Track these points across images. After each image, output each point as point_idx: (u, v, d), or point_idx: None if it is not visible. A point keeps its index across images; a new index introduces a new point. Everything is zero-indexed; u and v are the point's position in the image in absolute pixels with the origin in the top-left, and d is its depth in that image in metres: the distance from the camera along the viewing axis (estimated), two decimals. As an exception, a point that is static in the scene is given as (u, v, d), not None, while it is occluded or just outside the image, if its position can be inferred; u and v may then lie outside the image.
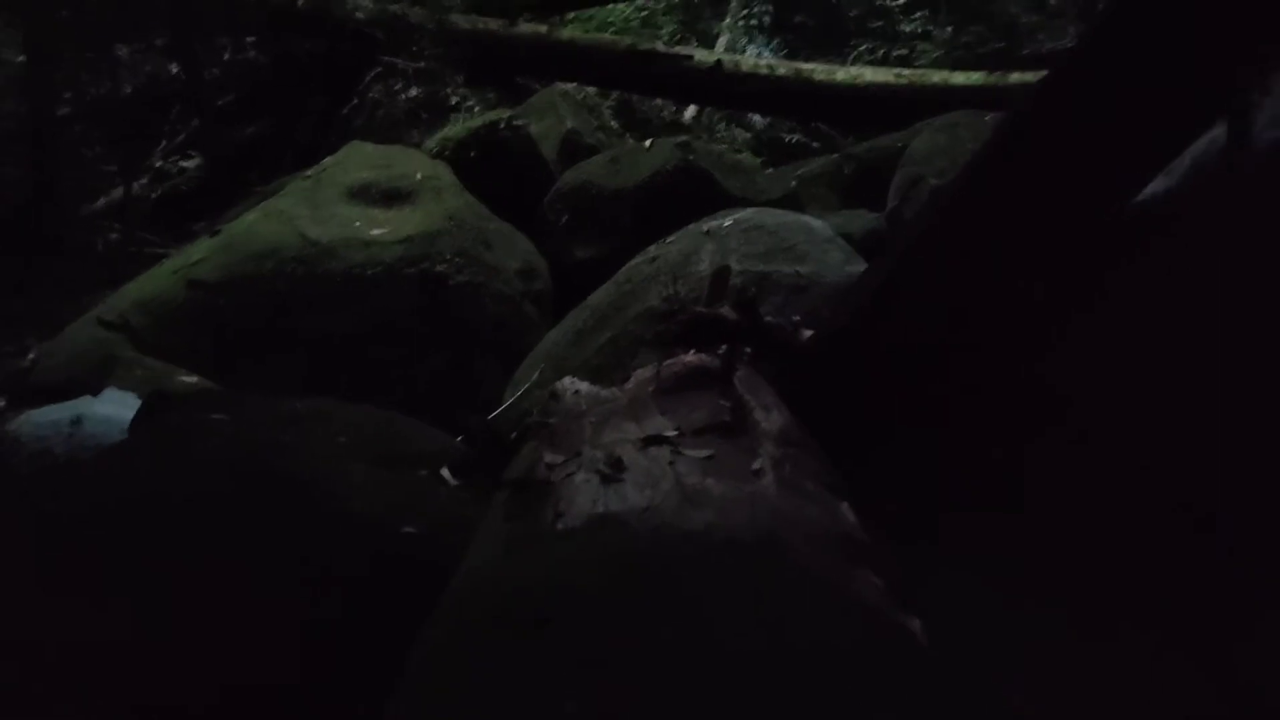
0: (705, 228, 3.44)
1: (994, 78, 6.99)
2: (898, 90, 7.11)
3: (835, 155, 6.43)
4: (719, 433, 1.38)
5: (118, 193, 6.59)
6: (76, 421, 2.43)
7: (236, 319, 3.75)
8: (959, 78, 7.14)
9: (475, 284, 3.93)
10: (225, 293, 3.77)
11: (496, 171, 4.82)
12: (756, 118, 8.68)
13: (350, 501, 1.93)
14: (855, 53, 9.42)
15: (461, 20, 7.17)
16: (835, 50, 9.52)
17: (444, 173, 4.41)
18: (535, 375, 3.32)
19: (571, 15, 8.90)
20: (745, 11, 10.02)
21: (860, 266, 3.20)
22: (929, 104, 6.20)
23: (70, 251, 5.87)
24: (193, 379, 3.24)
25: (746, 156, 5.54)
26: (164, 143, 7.39)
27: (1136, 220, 1.77)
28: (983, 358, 1.84)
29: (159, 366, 3.34)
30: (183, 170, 7.11)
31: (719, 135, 8.31)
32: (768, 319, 2.15)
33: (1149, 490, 1.57)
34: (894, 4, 9.78)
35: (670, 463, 1.20)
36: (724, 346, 1.90)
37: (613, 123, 7.17)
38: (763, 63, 7.71)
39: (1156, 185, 1.73)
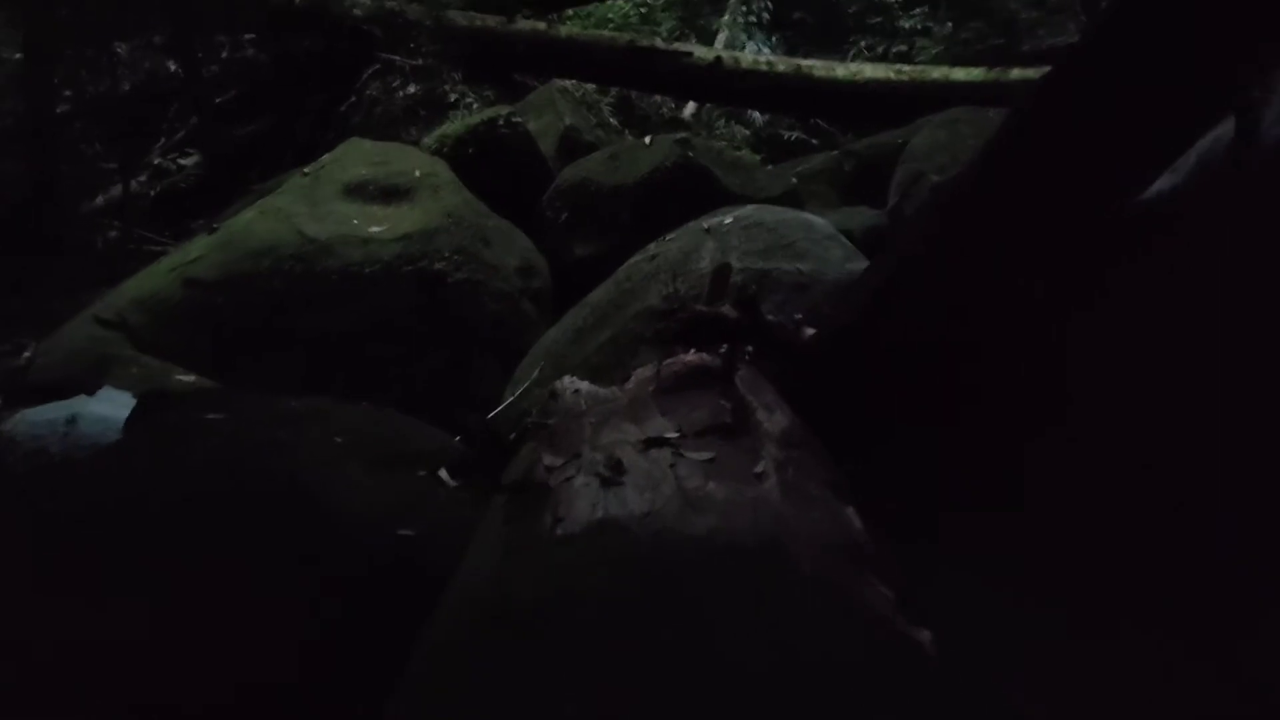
0: (705, 225, 3.42)
1: (994, 74, 6.97)
2: (898, 86, 7.09)
3: (835, 152, 6.42)
4: (720, 434, 1.36)
5: (117, 190, 6.57)
6: (72, 421, 2.40)
7: (234, 317, 3.73)
8: (959, 74, 7.13)
9: (474, 282, 3.92)
10: (223, 291, 3.75)
11: (495, 168, 4.81)
12: (756, 114, 8.67)
13: (347, 503, 1.91)
14: (855, 49, 9.41)
15: (459, 17, 7.15)
16: (834, 46, 9.51)
17: (442, 170, 4.39)
18: (535, 374, 3.31)
19: (570, 12, 8.88)
20: (744, 8, 10.00)
21: (861, 264, 3.19)
22: (929, 100, 6.19)
23: (69, 249, 5.86)
24: (190, 378, 3.22)
25: (746, 153, 5.52)
26: (163, 140, 7.37)
27: (1141, 217, 1.76)
28: (985, 356, 1.83)
29: (156, 365, 3.32)
30: (181, 168, 7.09)
31: (718, 132, 8.30)
32: (769, 317, 2.13)
33: (1150, 489, 1.56)
34: (893, 0, 9.77)
35: (671, 465, 1.18)
36: (725, 345, 1.88)
37: (612, 120, 7.14)
38: (762, 59, 7.69)
39: (1162, 183, 1.71)
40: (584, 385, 1.86)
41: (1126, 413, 1.62)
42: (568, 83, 6.93)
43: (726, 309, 2.00)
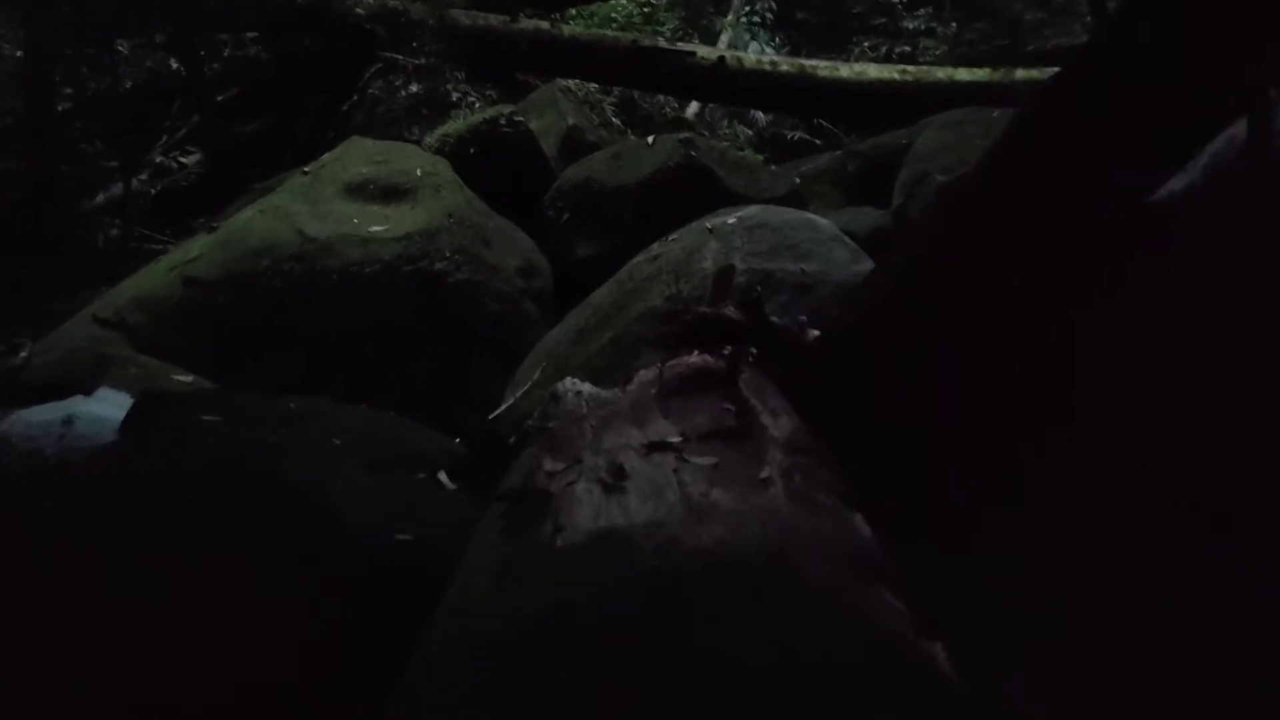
0: (708, 225, 3.40)
1: (999, 74, 6.96)
2: (902, 87, 7.08)
3: (839, 152, 6.39)
4: (724, 438, 1.33)
5: (117, 189, 6.56)
6: (68, 421, 2.37)
7: (234, 316, 3.71)
8: (964, 74, 7.12)
9: (474, 282, 3.90)
10: (222, 290, 3.74)
11: (497, 168, 4.79)
12: (759, 115, 8.65)
13: (344, 506, 1.89)
14: (858, 49, 9.40)
15: (462, 16, 7.13)
16: (838, 47, 9.50)
17: (443, 169, 4.37)
18: (536, 375, 3.29)
19: (573, 11, 8.86)
20: (748, 8, 9.99)
21: (866, 265, 3.16)
22: (933, 101, 6.17)
23: (69, 248, 5.85)
24: (187, 378, 3.20)
25: (749, 154, 5.50)
26: (164, 138, 7.36)
27: (1152, 217, 1.74)
28: (990, 357, 1.82)
29: (153, 365, 3.30)
30: (183, 166, 7.08)
31: (721, 132, 8.28)
32: (773, 319, 2.11)
33: (1151, 488, 1.55)
34: (897, 1, 9.76)
35: (675, 470, 1.15)
36: (728, 347, 1.85)
37: (614, 119, 7.13)
38: (766, 59, 7.67)
39: (1175, 183, 1.69)
40: (586, 387, 1.83)
41: (1132, 412, 1.61)
42: (570, 82, 6.91)
43: (730, 310, 1.98)
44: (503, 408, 3.28)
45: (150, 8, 7.06)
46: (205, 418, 2.24)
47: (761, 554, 0.91)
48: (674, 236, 3.52)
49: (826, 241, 3.26)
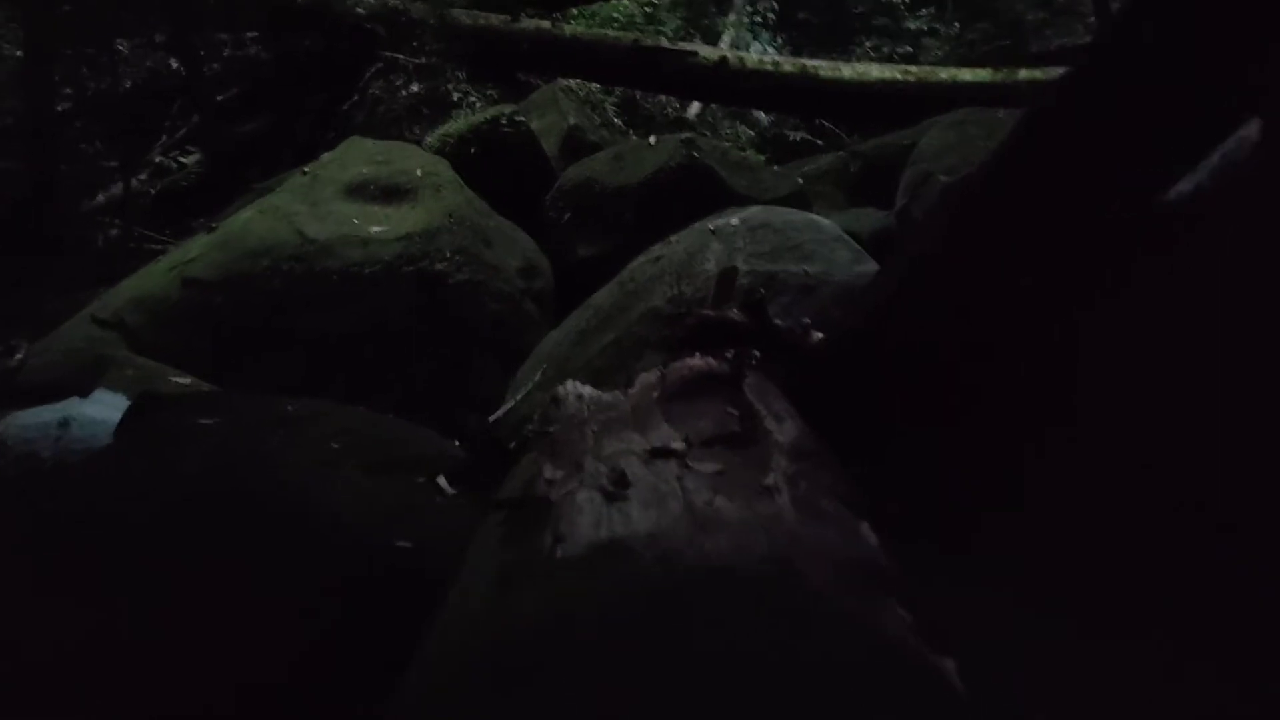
0: (711, 226, 3.38)
1: (1002, 74, 6.95)
2: (904, 87, 7.06)
3: (841, 153, 6.38)
4: (728, 444, 1.30)
5: (117, 189, 6.55)
6: (64, 424, 2.35)
7: (233, 317, 3.69)
8: (966, 75, 7.11)
9: (475, 282, 3.88)
10: (221, 291, 3.72)
11: (498, 168, 4.77)
12: (761, 115, 8.64)
13: (342, 511, 1.86)
14: (860, 50, 9.39)
15: (463, 15, 7.12)
16: (840, 47, 9.50)
17: (444, 169, 4.35)
18: (537, 376, 3.27)
19: (574, 11, 8.85)
20: (750, 8, 9.98)
21: (869, 266, 3.15)
22: (935, 101, 6.16)
23: (69, 248, 5.84)
24: (185, 379, 3.18)
25: (751, 154, 5.48)
26: (164, 138, 7.36)
27: (1159, 218, 1.72)
28: (996, 358, 1.80)
29: (151, 366, 3.27)
30: (182, 166, 7.08)
31: (723, 132, 8.26)
32: (776, 321, 2.08)
33: (1154, 489, 1.53)
34: (899, 1, 9.75)
35: (678, 478, 1.13)
36: (731, 350, 1.83)
37: (616, 119, 7.12)
38: (767, 59, 7.66)
39: (1184, 184, 1.67)
40: (587, 390, 1.80)
41: (1135, 413, 1.59)
42: (572, 82, 6.90)
43: (734, 312, 1.95)
44: (503, 410, 3.26)
45: (150, 7, 7.06)
46: (202, 420, 2.21)
47: (767, 565, 0.89)
48: (676, 237, 3.50)
49: (829, 242, 3.24)
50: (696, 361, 1.79)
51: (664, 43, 7.45)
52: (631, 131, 6.96)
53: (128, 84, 7.53)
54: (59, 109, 6.77)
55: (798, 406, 1.72)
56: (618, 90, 7.93)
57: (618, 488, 1.09)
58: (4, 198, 6.00)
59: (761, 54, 8.53)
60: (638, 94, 8.09)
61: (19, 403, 2.59)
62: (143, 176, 6.90)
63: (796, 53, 9.20)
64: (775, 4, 10.08)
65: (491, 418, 3.20)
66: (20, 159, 6.25)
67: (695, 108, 8.63)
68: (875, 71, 7.36)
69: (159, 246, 5.39)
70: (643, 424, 1.43)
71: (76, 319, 3.77)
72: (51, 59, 6.39)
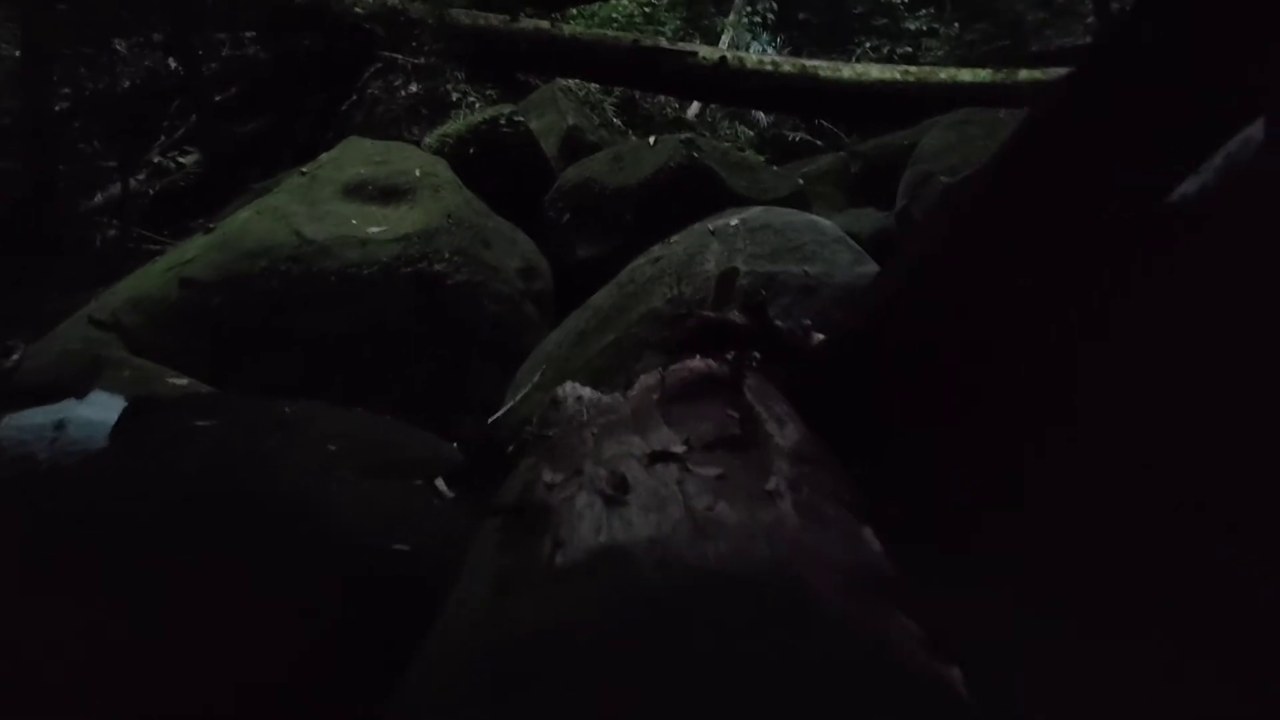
0: (711, 227, 3.37)
1: (1002, 75, 6.95)
2: (904, 88, 7.06)
3: (841, 153, 6.37)
4: (729, 447, 1.29)
5: (115, 189, 6.54)
6: (60, 426, 2.33)
7: (230, 318, 3.68)
8: (966, 75, 7.10)
9: (474, 283, 3.86)
10: (219, 291, 3.70)
11: (497, 168, 4.76)
12: (760, 115, 8.63)
13: (339, 514, 1.85)
14: (860, 50, 9.38)
15: (462, 15, 7.10)
16: (839, 47, 9.50)
17: (443, 169, 4.33)
18: (536, 378, 3.25)
19: (574, 11, 8.84)
20: (749, 8, 9.97)
21: (869, 267, 3.13)
22: (935, 101, 6.16)
23: (68, 248, 5.82)
24: (182, 381, 3.16)
25: (751, 154, 5.47)
26: (162, 138, 7.35)
27: (1162, 219, 1.72)
28: (998, 359, 1.79)
29: (148, 367, 3.26)
30: (181, 166, 7.06)
31: (722, 133, 8.26)
32: (777, 322, 2.07)
33: (1153, 488, 1.52)
34: (899, 1, 9.75)
35: (679, 482, 1.11)
36: (732, 352, 1.82)
37: (615, 120, 7.10)
38: (767, 60, 7.65)
39: (1189, 185, 1.67)
40: (586, 392, 1.79)
41: (1136, 413, 1.58)
42: (571, 82, 6.88)
43: (734, 315, 1.94)
44: (501, 411, 3.25)
45: (148, 7, 7.04)
46: (199, 422, 2.20)
47: (769, 572, 0.87)
48: (675, 238, 3.48)
49: (830, 243, 3.23)
50: (697, 363, 1.78)
51: (663, 43, 7.44)
52: (631, 132, 6.94)
53: (126, 84, 7.51)
54: (57, 109, 6.76)
55: (798, 408, 1.71)
56: (617, 90, 7.92)
57: (618, 492, 1.08)
58: (4, 198, 5.98)
59: (761, 54, 8.53)
60: (637, 94, 8.08)
61: (14, 404, 2.57)
62: (141, 176, 6.89)
63: (796, 53, 9.20)
64: (775, 4, 10.08)
65: (490, 419, 3.18)
66: (20, 159, 6.23)
67: (694, 108, 8.63)
68: (875, 72, 7.35)
69: (157, 247, 5.37)
70: (643, 427, 1.42)
71: (73, 319, 3.76)
72: (50, 59, 6.37)
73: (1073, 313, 1.73)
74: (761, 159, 5.54)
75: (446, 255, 3.83)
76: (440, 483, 2.09)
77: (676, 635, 0.78)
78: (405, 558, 1.76)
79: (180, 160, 7.10)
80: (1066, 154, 1.68)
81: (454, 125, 5.20)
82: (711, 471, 1.18)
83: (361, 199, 4.02)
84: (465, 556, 1.34)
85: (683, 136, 4.67)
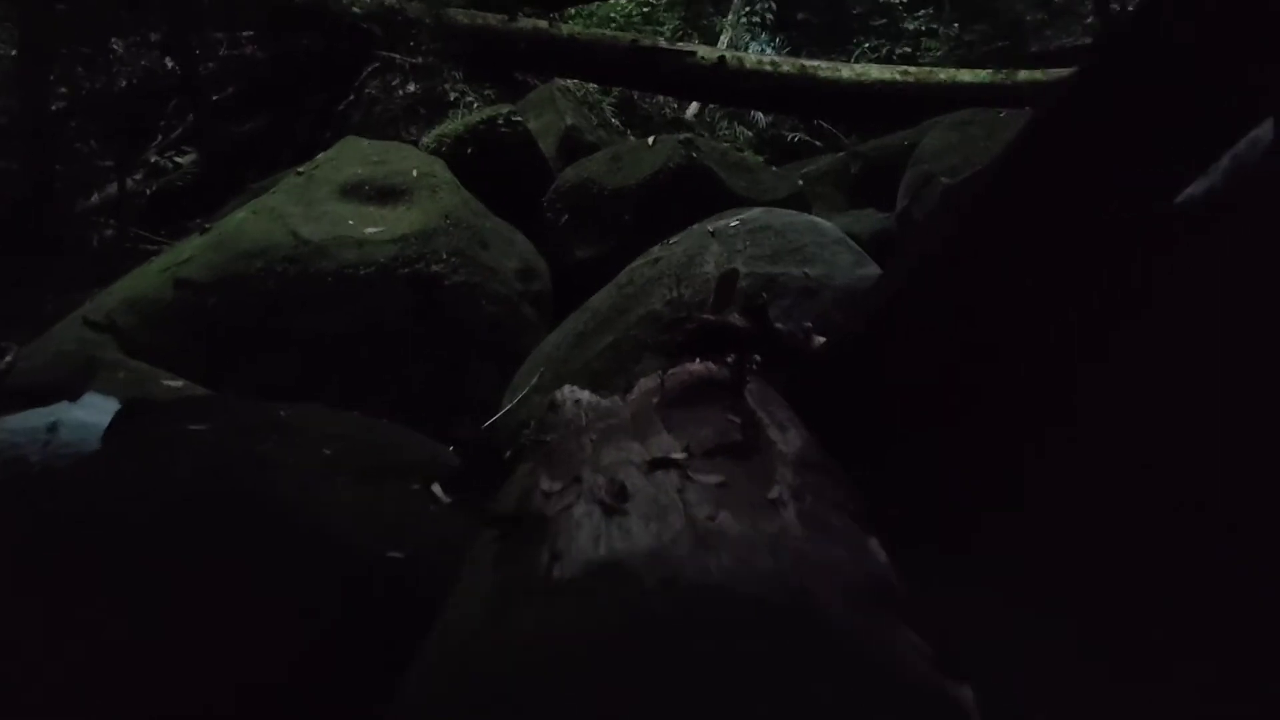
0: (710, 228, 3.35)
1: (1001, 75, 6.94)
2: (903, 88, 7.05)
3: (840, 154, 6.36)
4: (730, 454, 1.27)
5: (113, 189, 6.52)
6: (53, 428, 2.31)
7: (226, 319, 3.65)
8: (965, 75, 7.09)
9: (471, 284, 3.83)
10: (215, 292, 3.68)
11: (495, 168, 4.74)
12: (759, 116, 8.62)
13: (334, 520, 1.82)
14: (859, 50, 9.37)
15: (460, 15, 7.09)
16: (839, 47, 9.48)
17: (440, 169, 4.30)
18: (534, 380, 3.23)
19: (572, 10, 8.83)
20: (748, 8, 9.96)
21: (870, 268, 3.11)
22: (935, 102, 6.15)
23: (65, 248, 5.80)
24: (177, 383, 3.13)
25: (750, 155, 5.45)
26: (160, 138, 7.33)
27: (1164, 219, 1.70)
28: (1001, 360, 1.78)
29: (143, 369, 3.23)
30: (178, 166, 7.05)
31: (721, 133, 8.24)
32: (778, 325, 2.05)
33: (1153, 488, 1.51)
34: (898, 1, 9.74)
35: (679, 490, 1.08)
36: (732, 355, 1.79)
37: (613, 120, 7.08)
38: (766, 60, 7.63)
39: (1195, 186, 1.65)
40: (585, 395, 1.77)
41: (1136, 413, 1.57)
42: (569, 82, 6.86)
43: (735, 318, 1.91)
44: (499, 414, 3.22)
45: (146, 7, 7.02)
46: (193, 425, 2.17)
47: (772, 585, 0.85)
48: (675, 239, 3.46)
49: (830, 245, 3.21)
50: (697, 367, 1.76)
51: (662, 43, 7.43)
52: (629, 132, 6.93)
53: (123, 83, 7.49)
54: (54, 108, 6.73)
55: (799, 411, 1.69)
56: (615, 90, 7.91)
57: (617, 501, 1.05)
58: (2, 198, 5.96)
59: (760, 54, 8.51)
60: (635, 94, 8.06)
61: (7, 406, 2.55)
62: (138, 176, 6.87)
63: (795, 53, 9.19)
64: (774, 4, 10.06)
65: (487, 422, 3.16)
66: (18, 159, 6.21)
67: (693, 108, 8.61)
68: (874, 72, 7.34)
69: (154, 247, 5.35)
70: (643, 432, 1.39)
71: (68, 320, 3.73)
72: (48, 58, 6.35)
73: (1074, 314, 1.72)
74: (761, 159, 5.53)
75: (444, 256, 3.81)
76: (437, 487, 2.07)
77: (677, 653, 0.76)
78: (402, 562, 1.74)
79: (177, 160, 7.08)
80: (1069, 155, 1.68)
81: (452, 125, 5.18)
82: (713, 479, 1.15)
83: (359, 199, 4.00)
84: (461, 563, 1.32)
85: (681, 137, 4.65)
